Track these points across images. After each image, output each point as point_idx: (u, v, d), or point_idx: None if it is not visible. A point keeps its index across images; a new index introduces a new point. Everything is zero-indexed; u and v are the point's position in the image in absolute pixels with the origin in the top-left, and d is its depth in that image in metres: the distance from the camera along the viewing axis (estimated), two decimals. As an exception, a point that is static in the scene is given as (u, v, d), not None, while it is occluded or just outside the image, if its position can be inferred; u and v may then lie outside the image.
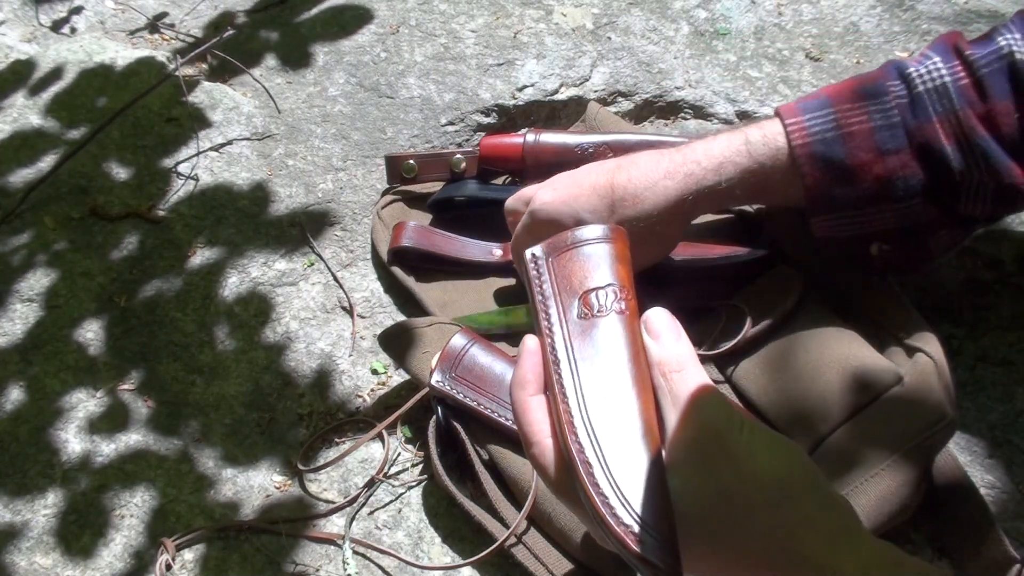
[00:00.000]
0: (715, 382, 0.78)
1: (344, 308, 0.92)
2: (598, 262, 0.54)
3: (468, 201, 0.93)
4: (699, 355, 0.77)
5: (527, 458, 0.53)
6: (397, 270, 0.90)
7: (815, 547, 0.43)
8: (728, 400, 0.47)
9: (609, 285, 0.53)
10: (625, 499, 0.46)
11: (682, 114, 1.07)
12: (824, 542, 0.44)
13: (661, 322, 0.50)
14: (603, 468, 0.47)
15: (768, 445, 0.46)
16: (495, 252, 0.91)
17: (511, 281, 0.90)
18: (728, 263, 0.84)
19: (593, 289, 0.53)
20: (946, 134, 0.68)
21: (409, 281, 0.89)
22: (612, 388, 0.49)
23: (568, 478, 0.48)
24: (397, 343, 0.81)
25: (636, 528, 0.45)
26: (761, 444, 0.46)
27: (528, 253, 0.56)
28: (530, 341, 0.53)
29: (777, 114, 0.73)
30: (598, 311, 0.52)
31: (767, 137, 0.72)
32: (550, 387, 0.51)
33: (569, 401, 0.49)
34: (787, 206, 0.76)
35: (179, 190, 1.01)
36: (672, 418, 0.47)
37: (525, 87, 1.07)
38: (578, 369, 0.51)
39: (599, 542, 0.49)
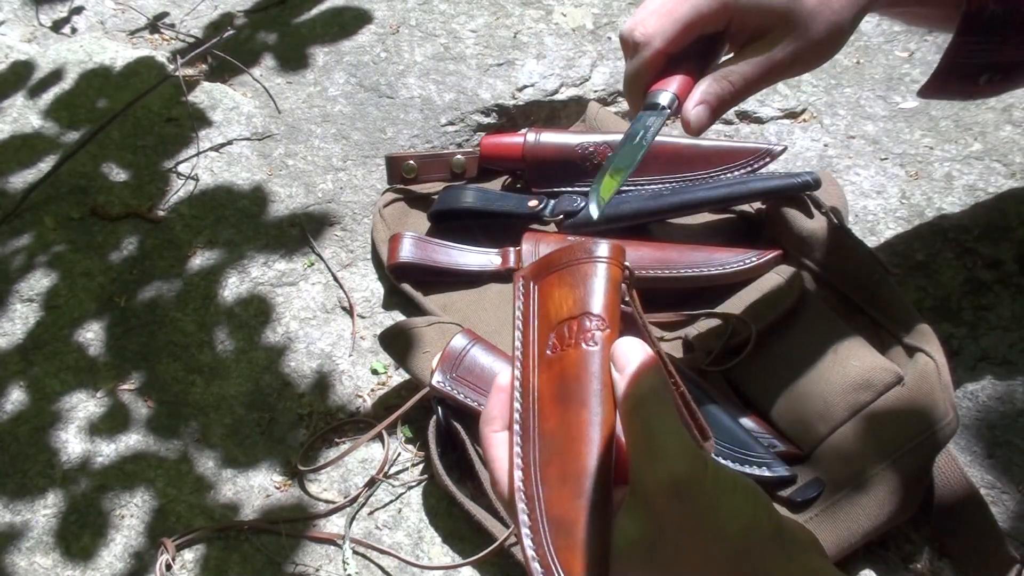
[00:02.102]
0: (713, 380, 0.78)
1: (344, 308, 0.92)
2: (581, 288, 0.50)
3: (467, 211, 0.92)
4: (703, 369, 0.78)
5: (493, 496, 0.51)
6: (407, 287, 0.90)
7: None
8: (695, 446, 0.44)
9: (584, 314, 0.49)
10: (560, 567, 0.43)
11: (682, 114, 1.07)
12: None
13: (628, 354, 0.46)
14: (542, 528, 0.44)
15: (732, 494, 0.44)
16: (494, 260, 0.90)
17: (511, 287, 0.90)
18: (735, 272, 0.83)
19: (567, 319, 0.49)
20: None
21: (417, 296, 0.89)
22: (570, 432, 0.46)
23: None
24: (397, 343, 0.81)
25: None
26: (725, 495, 0.43)
27: (517, 276, 0.53)
28: (501, 377, 0.51)
29: None
30: (567, 344, 0.49)
31: None
32: (510, 424, 0.49)
33: (525, 447, 0.47)
34: (931, 19, 0.72)
35: (179, 190, 1.01)
36: (637, 458, 0.44)
37: (525, 87, 1.07)
38: (537, 406, 0.48)
39: None
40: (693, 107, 0.60)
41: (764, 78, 0.61)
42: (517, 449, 0.47)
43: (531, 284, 0.53)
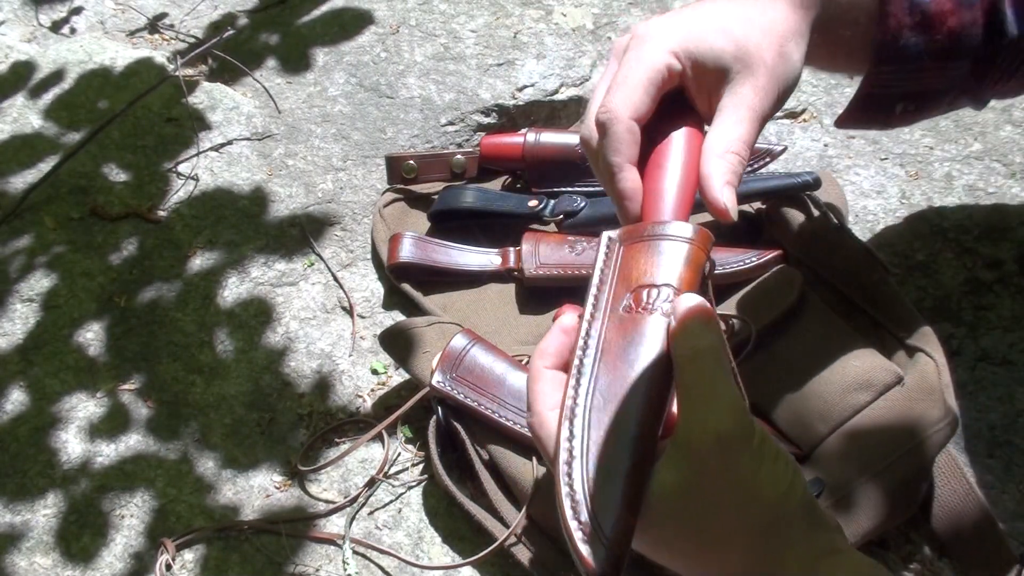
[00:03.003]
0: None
1: (344, 308, 0.92)
2: (665, 260, 0.52)
3: (467, 211, 0.92)
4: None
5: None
6: (407, 287, 0.90)
7: (798, 569, 0.43)
8: (745, 407, 0.46)
9: (666, 285, 0.51)
10: (589, 499, 0.45)
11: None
12: (808, 564, 0.44)
13: (689, 308, 0.48)
14: (582, 462, 0.47)
15: (775, 461, 0.45)
16: (494, 260, 0.90)
17: (511, 287, 0.90)
18: (735, 272, 0.83)
19: (647, 285, 0.52)
20: None
21: (417, 295, 0.89)
22: (627, 386, 0.48)
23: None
24: (397, 343, 0.81)
25: (588, 530, 0.44)
26: (768, 459, 0.45)
27: (605, 235, 0.56)
28: (566, 318, 0.53)
29: None
30: (644, 308, 0.51)
31: None
32: (570, 369, 0.51)
33: (580, 389, 0.49)
34: (838, 61, 0.70)
35: (179, 190, 1.01)
36: (688, 407, 0.46)
37: (525, 87, 1.07)
38: (601, 360, 0.50)
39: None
40: (720, 192, 0.55)
41: (757, 130, 0.59)
42: (571, 392, 0.49)
43: (617, 245, 0.55)
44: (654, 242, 0.54)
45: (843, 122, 0.72)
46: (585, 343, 0.51)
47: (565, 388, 0.50)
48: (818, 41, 0.62)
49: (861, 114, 0.70)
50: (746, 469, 0.44)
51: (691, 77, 0.59)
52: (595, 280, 0.54)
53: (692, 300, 0.48)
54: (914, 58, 0.64)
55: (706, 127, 0.59)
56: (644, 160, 0.59)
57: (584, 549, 0.44)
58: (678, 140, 0.59)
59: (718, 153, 0.56)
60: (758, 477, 0.44)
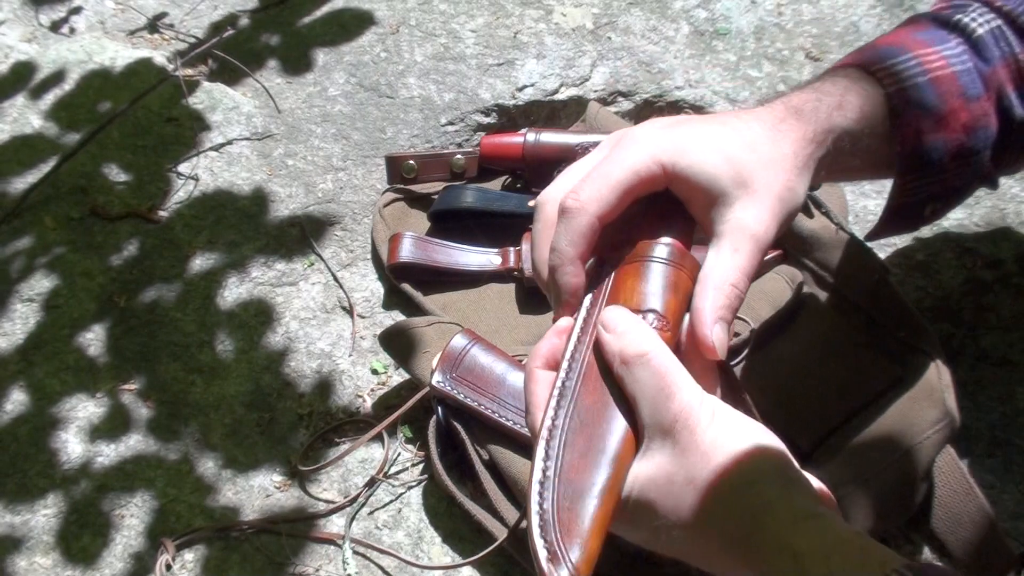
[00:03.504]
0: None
1: (344, 308, 0.92)
2: (651, 285, 0.53)
3: (467, 211, 0.92)
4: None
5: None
6: (407, 287, 0.90)
7: (777, 529, 0.44)
8: (691, 385, 0.48)
9: (650, 311, 0.52)
10: (558, 522, 0.46)
11: (682, 114, 1.07)
12: (786, 525, 0.44)
13: (617, 316, 0.51)
14: (554, 484, 0.47)
15: (733, 432, 0.47)
16: (494, 260, 0.90)
17: (511, 287, 0.90)
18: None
19: (632, 311, 0.52)
20: (1010, 78, 0.64)
21: (417, 295, 0.89)
22: (605, 410, 0.50)
23: None
24: (397, 343, 0.81)
25: (555, 553, 0.45)
26: (726, 432, 0.47)
27: (592, 260, 0.56)
28: (563, 321, 0.55)
29: (851, 64, 0.65)
30: None
31: (861, 88, 0.63)
32: (557, 377, 0.52)
33: (559, 411, 0.50)
34: (862, 175, 0.69)
35: (179, 190, 1.01)
36: (650, 401, 0.48)
37: (525, 87, 1.07)
38: (582, 382, 0.51)
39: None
40: (712, 328, 0.53)
41: (758, 261, 0.56)
42: (551, 412, 0.50)
43: (604, 267, 0.56)
44: (640, 264, 0.54)
45: (876, 235, 0.71)
46: (569, 365, 0.52)
47: (545, 408, 0.51)
48: (826, 174, 0.61)
49: (892, 224, 0.69)
50: (708, 443, 0.46)
51: (682, 190, 0.57)
52: (584, 302, 0.55)
53: (614, 309, 0.51)
54: (936, 162, 0.63)
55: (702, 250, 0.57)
56: (617, 249, 0.57)
57: (548, 570, 0.45)
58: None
59: (716, 284, 0.54)
60: (723, 449, 0.46)
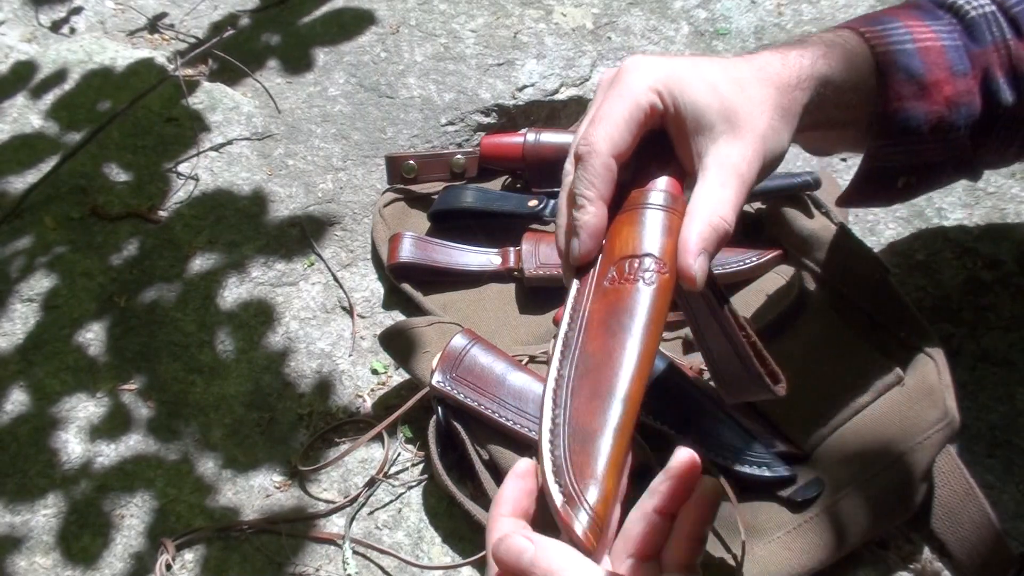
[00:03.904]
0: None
1: (344, 308, 0.92)
2: (647, 230, 0.53)
3: (467, 211, 0.92)
4: (703, 368, 0.78)
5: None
6: (407, 287, 0.90)
7: None
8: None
9: (647, 255, 0.52)
10: (571, 466, 0.46)
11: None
12: None
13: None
14: (564, 431, 0.47)
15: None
16: (494, 260, 0.90)
17: (511, 287, 0.90)
18: (735, 272, 0.83)
19: (629, 256, 0.52)
20: (999, 63, 0.64)
21: (417, 295, 0.89)
22: (610, 353, 0.49)
23: None
24: (397, 343, 0.81)
25: (571, 496, 0.45)
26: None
27: None
28: (520, 464, 0.50)
29: (841, 27, 0.66)
30: (625, 278, 0.52)
31: (848, 45, 0.63)
32: (559, 331, 0.52)
33: (564, 361, 0.50)
34: (844, 135, 0.68)
35: (179, 190, 1.01)
36: None
37: (525, 87, 1.07)
38: (584, 331, 0.51)
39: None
40: (693, 258, 0.53)
41: (743, 196, 0.56)
42: (556, 363, 0.50)
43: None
44: (635, 212, 0.54)
45: (846, 200, 0.71)
46: (571, 317, 0.52)
47: (550, 362, 0.51)
48: (809, 123, 0.61)
49: (864, 190, 0.69)
50: None
51: (672, 121, 0.57)
52: None
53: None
54: (915, 129, 0.64)
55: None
56: (618, 201, 0.57)
57: (566, 514, 0.44)
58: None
59: (702, 216, 0.54)
60: None
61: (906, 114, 0.63)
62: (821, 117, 0.62)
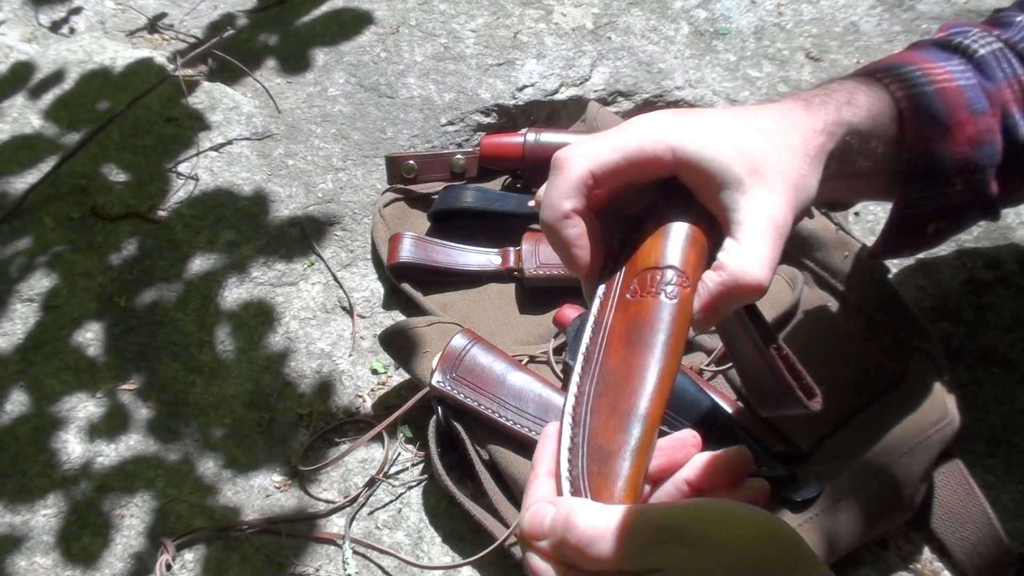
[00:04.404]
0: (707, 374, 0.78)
1: (344, 308, 0.92)
2: (671, 243, 0.52)
3: (467, 211, 0.92)
4: (703, 368, 0.78)
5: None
6: (407, 287, 0.90)
7: None
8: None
9: (669, 267, 0.51)
10: (589, 484, 0.46)
11: (682, 114, 1.07)
12: None
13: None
14: (582, 451, 0.47)
15: (740, 525, 0.42)
16: (494, 260, 0.90)
17: (511, 287, 0.90)
18: None
19: (652, 268, 0.51)
20: (1014, 99, 0.64)
21: (417, 296, 0.89)
22: (630, 369, 0.49)
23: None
24: (397, 343, 0.81)
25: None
26: (733, 525, 0.42)
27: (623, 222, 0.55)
28: (551, 427, 0.50)
29: (861, 73, 0.64)
30: (648, 291, 0.51)
31: (868, 91, 0.61)
32: (581, 343, 0.51)
33: (584, 377, 0.49)
34: (869, 185, 0.65)
35: (179, 190, 1.01)
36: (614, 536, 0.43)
37: (525, 87, 1.07)
38: (605, 345, 0.50)
39: None
40: (703, 314, 0.51)
41: (781, 250, 0.53)
42: (577, 379, 0.49)
43: (629, 230, 0.55)
44: (660, 220, 0.53)
45: (879, 252, 0.70)
46: (593, 331, 0.51)
47: (569, 377, 0.51)
48: (835, 171, 0.59)
49: (895, 240, 0.68)
50: (714, 537, 0.41)
51: (693, 178, 0.54)
52: (609, 268, 0.54)
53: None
54: (942, 172, 0.62)
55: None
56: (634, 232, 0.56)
57: None
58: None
59: (738, 281, 0.51)
60: (733, 543, 0.41)
61: (933, 156, 0.62)
62: (846, 166, 0.60)
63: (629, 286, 0.52)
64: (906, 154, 0.61)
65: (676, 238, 0.52)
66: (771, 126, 0.56)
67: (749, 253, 0.52)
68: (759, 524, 0.42)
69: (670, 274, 0.51)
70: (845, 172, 0.60)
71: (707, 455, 0.49)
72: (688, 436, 0.50)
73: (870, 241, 0.88)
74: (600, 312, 0.52)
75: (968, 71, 0.64)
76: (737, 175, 0.53)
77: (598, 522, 0.42)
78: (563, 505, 0.44)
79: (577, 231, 0.53)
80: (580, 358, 0.50)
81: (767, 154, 0.54)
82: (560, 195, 0.52)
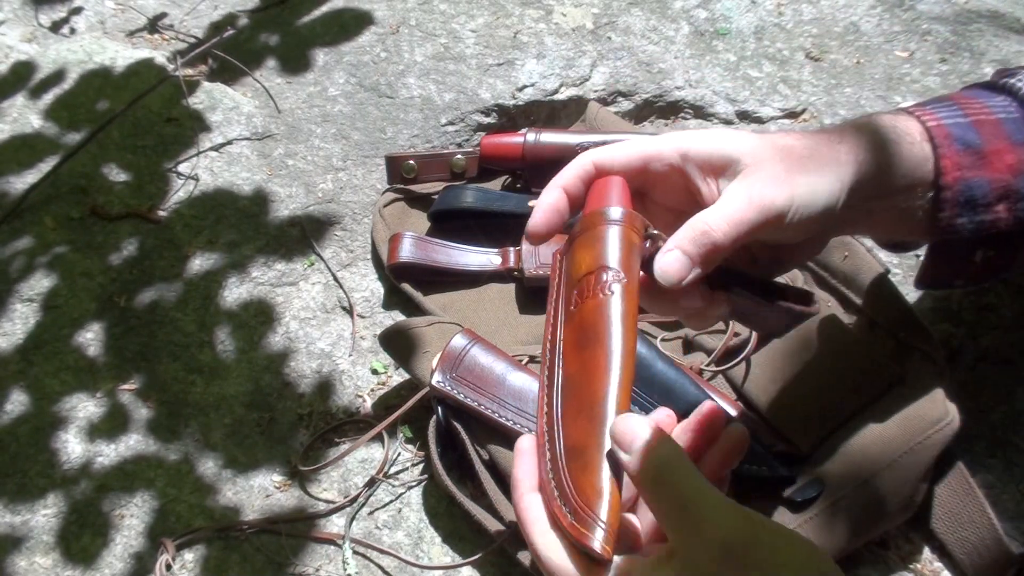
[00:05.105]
0: (705, 374, 0.78)
1: (344, 308, 0.92)
2: (599, 248, 0.53)
3: (467, 211, 0.92)
4: (703, 368, 0.78)
5: (532, 555, 0.51)
6: (407, 287, 0.90)
7: None
8: (736, 504, 0.44)
9: (601, 268, 0.52)
10: (575, 490, 0.47)
11: (682, 114, 1.07)
12: None
13: (635, 429, 0.46)
14: (559, 452, 0.48)
15: (790, 547, 0.43)
16: (494, 260, 0.90)
17: (511, 287, 0.90)
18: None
19: (585, 275, 0.52)
20: None
21: (417, 296, 0.89)
22: (586, 366, 0.50)
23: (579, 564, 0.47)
24: (397, 343, 0.81)
25: (584, 517, 0.46)
26: (783, 548, 0.43)
27: (555, 254, 0.57)
28: (524, 441, 0.52)
29: (894, 112, 0.65)
30: (586, 297, 0.52)
31: (898, 125, 0.62)
32: (543, 367, 0.53)
33: (551, 391, 0.51)
34: (900, 219, 0.64)
35: (179, 190, 1.01)
36: (677, 525, 0.44)
37: (525, 87, 1.07)
38: (562, 359, 0.52)
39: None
40: (664, 253, 0.53)
41: (750, 214, 0.54)
42: (544, 397, 0.51)
43: (560, 257, 0.57)
44: (585, 236, 0.54)
45: (923, 280, 0.69)
46: (549, 356, 0.53)
47: (540, 393, 0.52)
48: (879, 211, 0.60)
49: (938, 265, 0.67)
50: (764, 563, 0.42)
51: (694, 168, 0.56)
52: (550, 296, 0.56)
53: (625, 422, 0.46)
54: (980, 199, 0.62)
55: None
56: None
57: (581, 533, 0.45)
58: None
59: (690, 223, 0.53)
60: (780, 569, 0.42)
61: (968, 183, 0.61)
62: (887, 204, 0.60)
63: (571, 300, 0.53)
64: (940, 179, 0.61)
65: (607, 241, 0.53)
66: (789, 139, 0.57)
67: (713, 209, 0.54)
68: (805, 546, 0.43)
69: (605, 275, 0.52)
70: (888, 208, 0.61)
71: (685, 430, 0.52)
72: (710, 411, 0.53)
73: (870, 243, 0.88)
74: (552, 334, 0.54)
75: (1011, 106, 0.64)
76: (734, 157, 0.55)
77: None
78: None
79: (552, 199, 0.56)
80: (544, 381, 0.52)
81: (766, 150, 0.55)
82: (559, 177, 0.57)
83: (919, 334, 0.75)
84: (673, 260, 0.52)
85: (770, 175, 0.54)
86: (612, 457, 0.47)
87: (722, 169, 0.55)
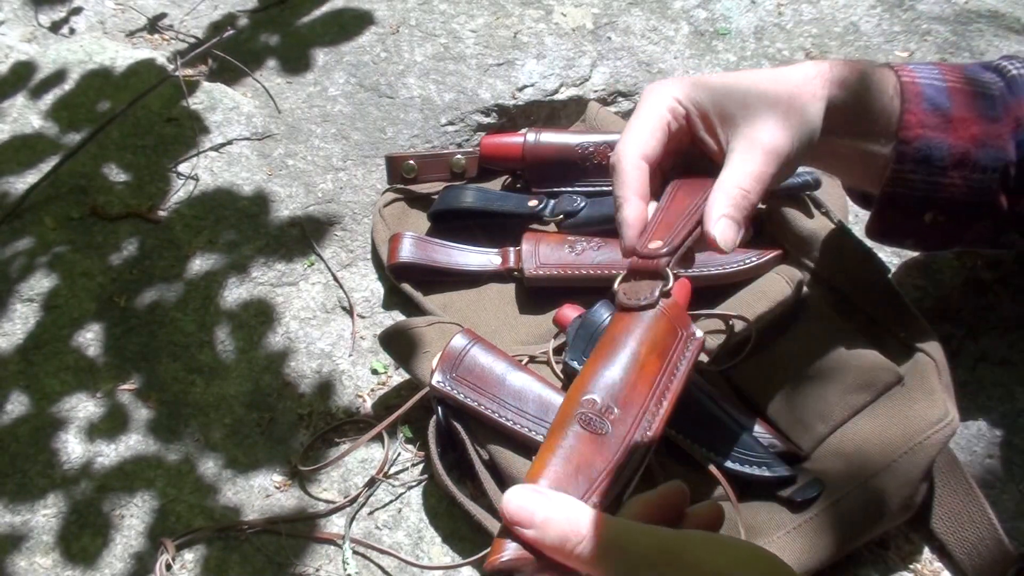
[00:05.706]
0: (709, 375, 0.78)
1: (344, 308, 0.92)
2: (594, 378, 0.56)
3: (467, 211, 0.92)
4: (704, 368, 0.78)
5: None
6: (407, 287, 0.90)
7: None
8: (664, 528, 0.44)
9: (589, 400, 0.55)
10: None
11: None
12: None
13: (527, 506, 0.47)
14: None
15: (732, 551, 0.43)
16: (494, 260, 0.90)
17: (511, 287, 0.90)
18: (735, 272, 0.83)
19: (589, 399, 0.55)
20: None
21: (417, 295, 0.89)
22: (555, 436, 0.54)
23: None
24: (397, 343, 0.81)
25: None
26: (723, 551, 0.42)
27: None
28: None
29: (880, 64, 0.68)
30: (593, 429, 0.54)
31: (878, 71, 0.66)
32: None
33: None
34: (861, 163, 0.69)
35: (179, 190, 1.01)
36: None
37: (525, 87, 1.07)
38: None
39: None
40: (712, 225, 0.59)
41: (770, 166, 0.60)
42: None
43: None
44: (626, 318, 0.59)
45: (872, 230, 0.73)
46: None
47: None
48: (837, 127, 0.65)
49: (888, 218, 0.69)
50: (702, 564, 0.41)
51: (697, 121, 0.63)
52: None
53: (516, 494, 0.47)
54: (936, 161, 0.65)
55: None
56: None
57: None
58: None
59: (724, 188, 0.59)
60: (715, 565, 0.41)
61: (928, 142, 0.65)
62: (845, 122, 0.65)
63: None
64: (900, 132, 0.65)
65: (599, 373, 0.56)
66: (762, 75, 0.64)
67: (732, 170, 0.60)
68: (743, 546, 0.45)
69: (598, 404, 0.54)
70: (846, 125, 0.65)
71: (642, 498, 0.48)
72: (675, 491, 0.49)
73: (870, 242, 0.88)
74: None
75: (996, 85, 0.66)
76: (731, 112, 0.61)
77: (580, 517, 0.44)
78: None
79: (632, 214, 0.62)
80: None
81: (764, 90, 0.62)
82: (619, 186, 0.63)
83: (919, 334, 0.75)
84: (727, 228, 0.59)
85: (770, 123, 0.60)
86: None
87: (722, 122, 0.62)
